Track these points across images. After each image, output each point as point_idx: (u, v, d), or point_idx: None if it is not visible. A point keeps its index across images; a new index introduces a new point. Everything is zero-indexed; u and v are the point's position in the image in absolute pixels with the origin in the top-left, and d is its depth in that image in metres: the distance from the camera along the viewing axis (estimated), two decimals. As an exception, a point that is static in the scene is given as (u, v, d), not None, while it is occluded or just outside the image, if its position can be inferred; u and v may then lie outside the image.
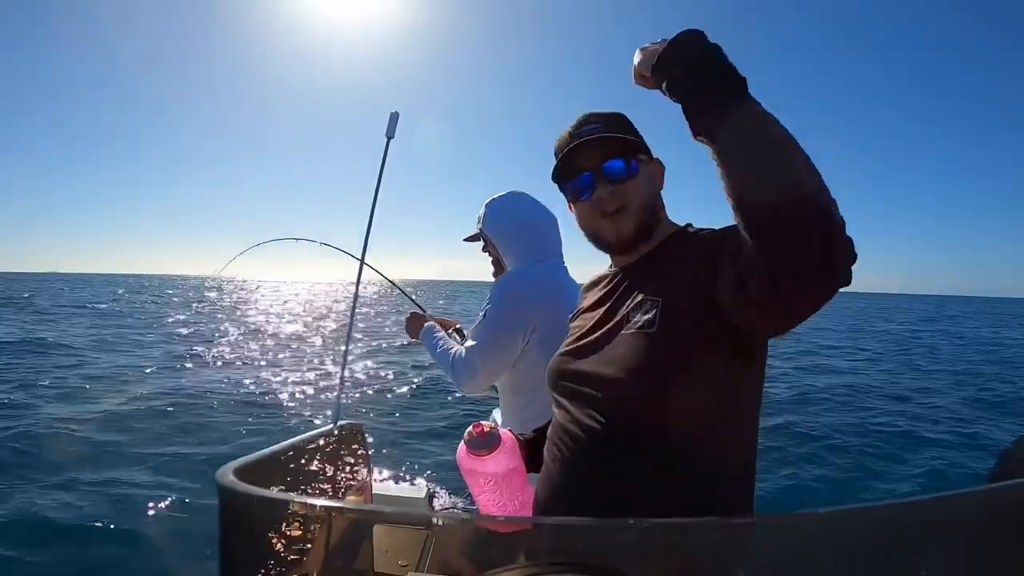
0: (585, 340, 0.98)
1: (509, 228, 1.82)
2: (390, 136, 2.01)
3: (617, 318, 0.94)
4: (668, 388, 0.83)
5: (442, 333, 1.86)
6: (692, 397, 0.83)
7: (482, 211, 1.85)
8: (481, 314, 1.73)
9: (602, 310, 1.01)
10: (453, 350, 1.75)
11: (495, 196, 1.86)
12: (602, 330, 0.96)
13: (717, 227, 0.92)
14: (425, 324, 1.89)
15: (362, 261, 1.99)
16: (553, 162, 1.03)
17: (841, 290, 0.67)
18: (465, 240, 1.94)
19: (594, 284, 1.11)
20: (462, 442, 0.99)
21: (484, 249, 1.89)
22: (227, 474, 0.58)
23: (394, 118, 2.00)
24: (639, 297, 0.92)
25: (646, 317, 0.89)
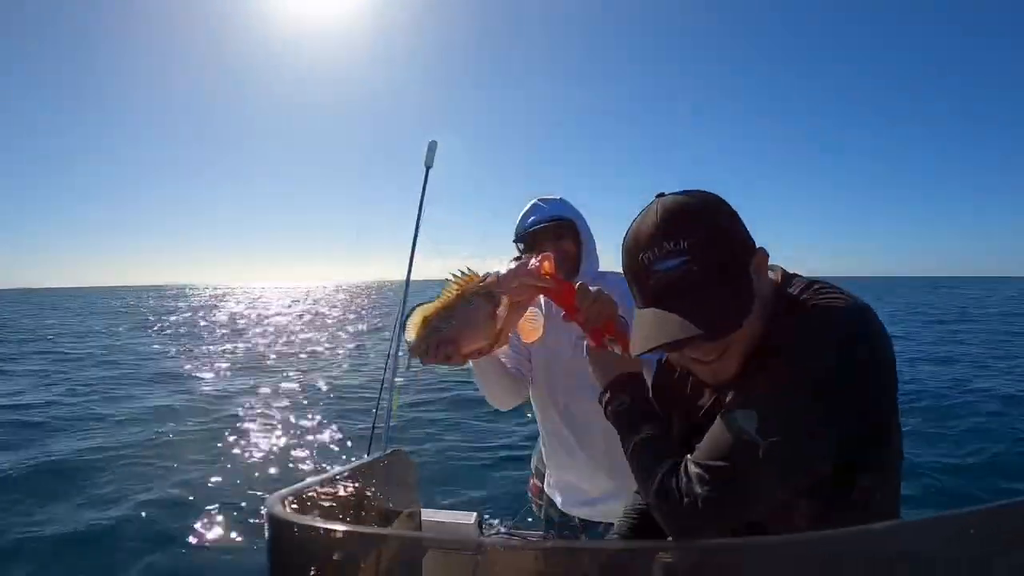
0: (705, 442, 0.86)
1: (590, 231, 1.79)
2: (429, 165, 1.93)
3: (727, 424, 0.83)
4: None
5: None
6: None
7: (559, 207, 1.77)
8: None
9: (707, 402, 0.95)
10: None
11: (560, 196, 1.80)
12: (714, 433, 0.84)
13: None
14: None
15: (406, 296, 1.92)
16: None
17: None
18: (556, 229, 1.78)
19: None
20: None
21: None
22: (275, 504, 0.58)
23: (432, 147, 1.93)
24: (750, 407, 0.80)
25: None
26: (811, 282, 0.90)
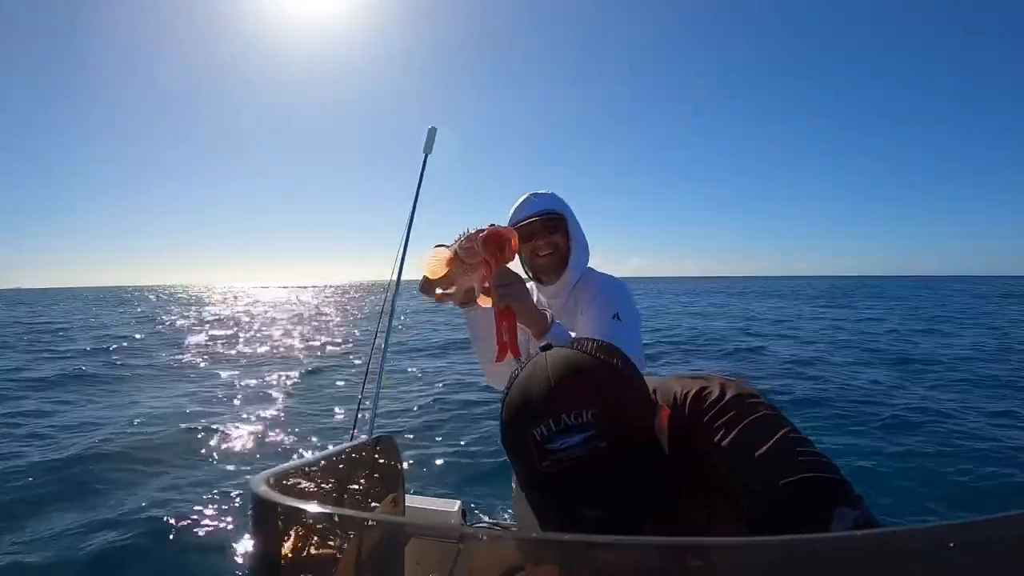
0: None
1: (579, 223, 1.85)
2: (428, 152, 1.91)
3: None
4: None
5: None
6: None
7: (551, 202, 1.80)
8: (613, 315, 1.62)
9: None
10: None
11: (552, 192, 1.85)
12: None
13: None
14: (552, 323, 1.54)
15: (399, 281, 1.91)
16: None
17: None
18: (547, 223, 1.79)
19: None
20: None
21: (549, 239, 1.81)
22: (259, 483, 0.58)
23: (432, 133, 1.92)
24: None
25: None
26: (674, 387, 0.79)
